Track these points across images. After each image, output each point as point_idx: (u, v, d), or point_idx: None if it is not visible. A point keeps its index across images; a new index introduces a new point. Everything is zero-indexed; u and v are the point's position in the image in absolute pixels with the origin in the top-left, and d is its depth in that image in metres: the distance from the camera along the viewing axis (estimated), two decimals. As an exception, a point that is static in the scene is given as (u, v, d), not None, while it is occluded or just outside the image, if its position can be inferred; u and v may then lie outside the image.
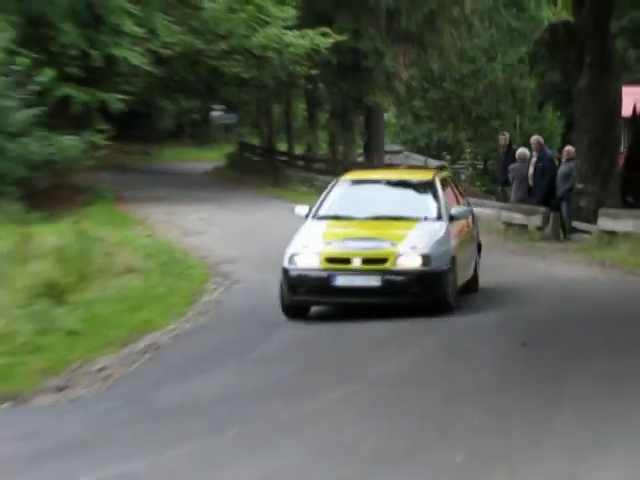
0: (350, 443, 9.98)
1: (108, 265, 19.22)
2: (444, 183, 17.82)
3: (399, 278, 15.63)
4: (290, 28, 38.84)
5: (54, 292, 16.44)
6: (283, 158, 46.92)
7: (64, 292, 16.71)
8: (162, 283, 19.29)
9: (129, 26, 32.09)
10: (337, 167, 40.19)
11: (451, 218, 16.83)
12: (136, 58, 32.73)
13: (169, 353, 14.37)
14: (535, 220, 26.17)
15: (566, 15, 33.68)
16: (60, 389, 12.59)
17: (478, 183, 32.42)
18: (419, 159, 44.46)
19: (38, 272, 17.12)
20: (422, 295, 15.71)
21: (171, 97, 46.68)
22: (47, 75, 27.35)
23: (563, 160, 26.36)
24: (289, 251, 15.97)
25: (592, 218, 24.80)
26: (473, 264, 18.23)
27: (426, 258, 15.66)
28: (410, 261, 15.67)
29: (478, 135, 44.95)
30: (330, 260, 15.70)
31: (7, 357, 13.70)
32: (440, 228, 16.57)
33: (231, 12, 38.13)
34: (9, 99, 26.70)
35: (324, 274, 15.68)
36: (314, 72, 40.59)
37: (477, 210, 28.41)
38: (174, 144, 54.64)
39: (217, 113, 58.27)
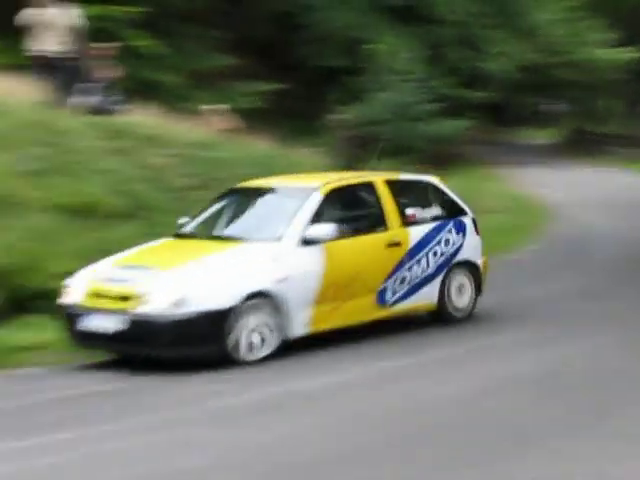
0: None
1: (477, 206, 19.70)
2: (345, 193, 9.87)
3: (146, 322, 8.32)
4: (612, 47, 39.37)
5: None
6: (598, 138, 45.80)
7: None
8: (514, 219, 19.66)
9: (495, 49, 32.90)
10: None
11: (307, 241, 9.08)
12: (500, 69, 33.29)
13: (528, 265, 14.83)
14: None
15: None
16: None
17: None
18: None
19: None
20: (176, 345, 8.34)
21: (522, 94, 46.50)
22: (439, 83, 28.26)
23: None
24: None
25: None
26: (433, 291, 10.20)
27: (182, 299, 8.30)
28: (156, 302, 8.35)
29: None
30: (89, 294, 8.79)
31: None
32: (258, 254, 8.93)
33: (563, 38, 38.92)
34: (413, 97, 27.77)
35: (74, 312, 8.79)
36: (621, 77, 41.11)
37: None
38: (521, 126, 54.17)
39: (553, 105, 57.58)
